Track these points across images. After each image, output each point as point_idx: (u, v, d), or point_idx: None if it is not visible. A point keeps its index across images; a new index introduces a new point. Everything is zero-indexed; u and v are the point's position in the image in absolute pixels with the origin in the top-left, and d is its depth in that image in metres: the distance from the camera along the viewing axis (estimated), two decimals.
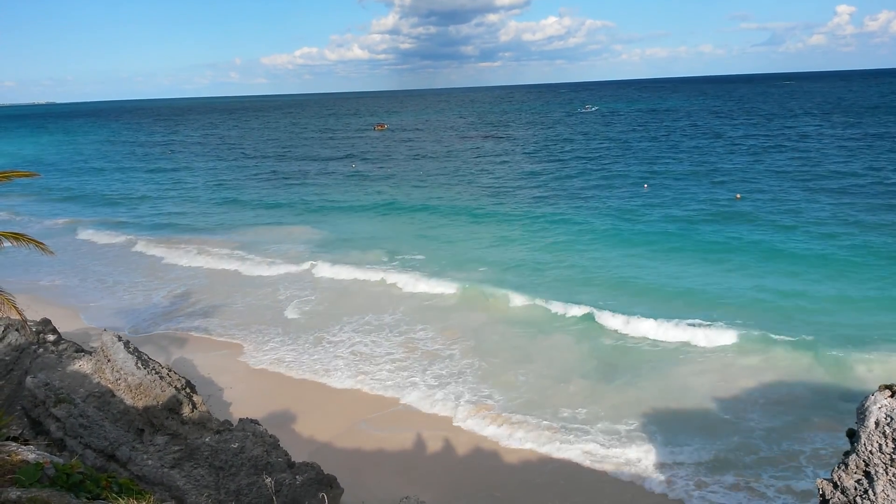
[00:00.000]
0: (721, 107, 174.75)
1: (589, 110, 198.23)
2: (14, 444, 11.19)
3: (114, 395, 19.04)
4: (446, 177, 75.94)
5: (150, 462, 16.57)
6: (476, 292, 33.69)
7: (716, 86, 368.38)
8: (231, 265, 41.73)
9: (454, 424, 21.39)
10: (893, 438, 7.89)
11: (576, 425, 21.04)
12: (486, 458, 19.52)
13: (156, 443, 17.13)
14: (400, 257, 41.34)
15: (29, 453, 10.67)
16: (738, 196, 55.10)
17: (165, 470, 16.34)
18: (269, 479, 11.68)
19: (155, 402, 18.70)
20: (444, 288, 34.69)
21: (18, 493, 8.63)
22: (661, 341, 26.85)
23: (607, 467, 18.84)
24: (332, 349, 27.65)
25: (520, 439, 20.58)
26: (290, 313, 32.24)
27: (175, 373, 20.02)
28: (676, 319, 28.00)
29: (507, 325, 29.51)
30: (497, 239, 45.43)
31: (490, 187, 67.03)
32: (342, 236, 48.61)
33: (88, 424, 17.64)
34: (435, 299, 33.37)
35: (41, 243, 24.88)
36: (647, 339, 27.15)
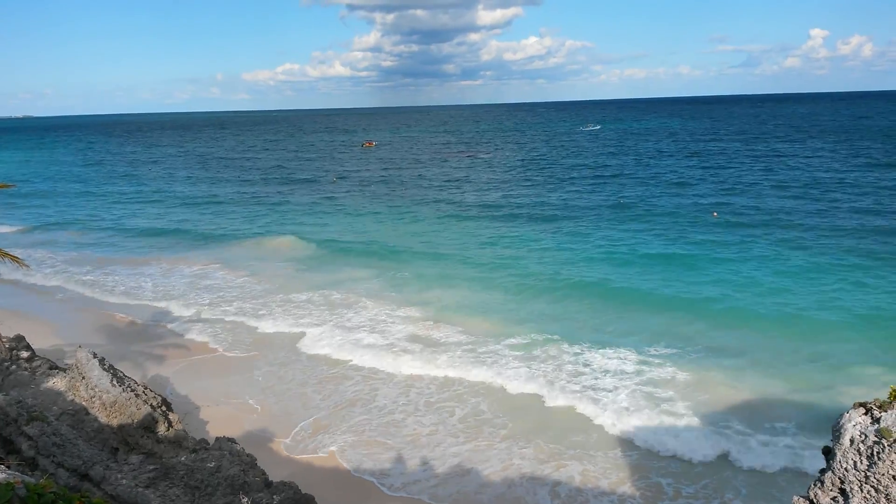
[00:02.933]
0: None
1: (591, 129, 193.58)
2: None
3: (88, 413, 18.74)
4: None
5: (124, 482, 16.25)
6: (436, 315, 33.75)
7: (710, 107, 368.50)
8: (208, 280, 41.38)
9: (433, 447, 21.34)
10: (868, 456, 8.00)
11: None
12: (467, 472, 19.42)
13: (130, 462, 16.83)
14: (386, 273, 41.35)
15: (1, 473, 10.45)
16: (715, 214, 55.81)
17: (140, 490, 16.03)
18: (245, 500, 11.48)
19: (130, 421, 18.44)
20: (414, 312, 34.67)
21: None
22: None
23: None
24: (317, 361, 27.51)
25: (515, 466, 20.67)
26: (268, 328, 32.16)
27: (151, 390, 19.79)
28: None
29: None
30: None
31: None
32: (333, 250, 48.52)
33: (62, 443, 17.28)
34: (409, 318, 33.31)
35: (16, 257, 24.54)
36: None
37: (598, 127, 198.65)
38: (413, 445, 20.90)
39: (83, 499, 10.81)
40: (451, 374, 26.31)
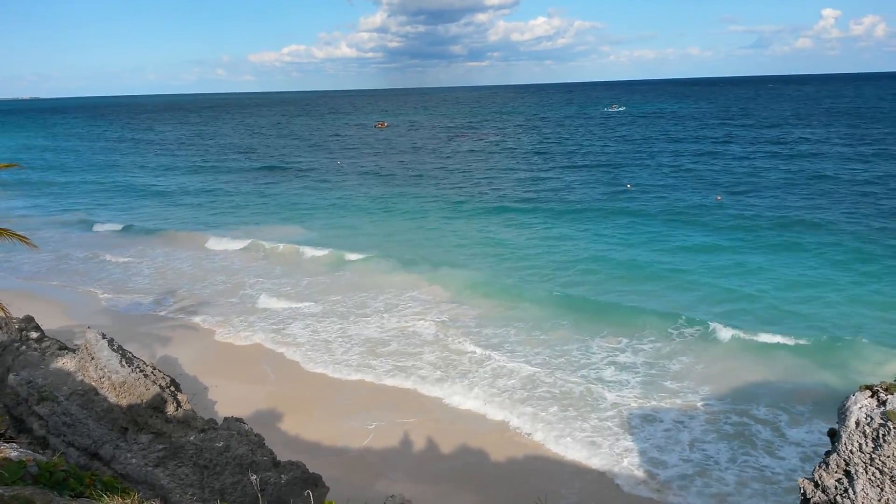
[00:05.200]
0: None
1: (616, 110, 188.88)
2: None
3: (97, 394, 18.90)
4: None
5: (133, 461, 16.46)
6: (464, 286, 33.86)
7: (726, 88, 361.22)
8: (217, 263, 41.58)
9: (450, 419, 21.55)
10: (873, 438, 8.02)
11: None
12: (473, 454, 19.58)
13: (140, 441, 17.01)
14: (391, 251, 41.44)
15: (11, 451, 10.57)
16: (719, 198, 55.51)
17: (149, 469, 16.24)
18: (254, 477, 11.64)
19: (139, 401, 18.57)
20: (431, 285, 34.90)
21: (1, 490, 8.56)
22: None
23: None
24: (316, 346, 27.65)
25: (515, 428, 20.95)
26: (269, 304, 32.47)
27: (160, 371, 19.90)
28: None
29: (496, 320, 29.65)
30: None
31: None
32: (334, 233, 48.62)
33: (72, 423, 17.50)
34: (429, 299, 33.43)
35: (24, 237, 24.64)
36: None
37: (623, 108, 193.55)
38: (419, 428, 21.08)
39: (94, 477, 10.95)
40: (476, 351, 26.61)
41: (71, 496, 9.24)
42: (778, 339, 26.22)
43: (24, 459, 10.15)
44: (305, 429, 20.82)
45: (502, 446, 20.05)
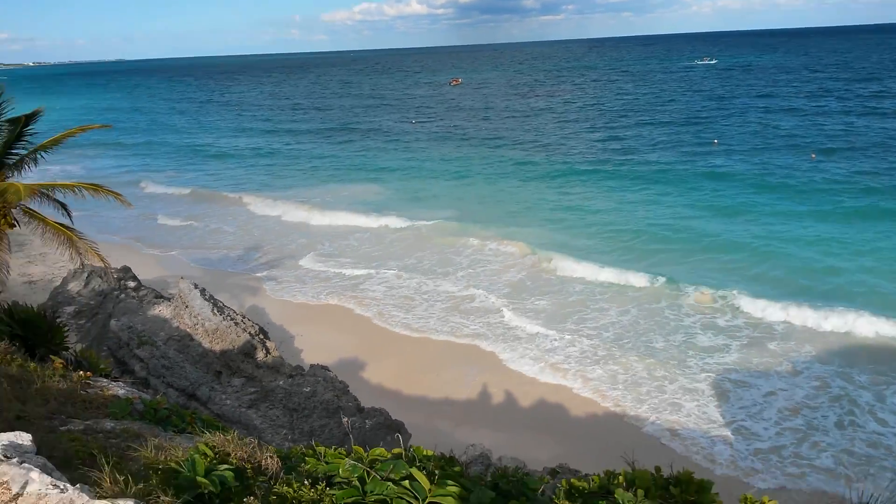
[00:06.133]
0: None
1: (706, 63, 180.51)
2: (105, 380, 11.72)
3: (192, 339, 19.75)
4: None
5: (228, 402, 17.20)
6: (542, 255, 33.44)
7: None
8: (298, 216, 42.67)
9: (528, 376, 21.56)
10: None
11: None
12: (552, 409, 19.54)
13: (233, 384, 17.74)
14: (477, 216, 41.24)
15: (119, 389, 11.16)
16: (813, 156, 52.44)
17: (243, 410, 16.94)
18: (346, 419, 11.95)
19: (231, 347, 19.30)
20: (514, 248, 34.47)
21: (112, 424, 9.02)
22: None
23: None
24: (394, 303, 28.04)
25: (590, 390, 20.68)
26: (345, 264, 33.00)
27: (249, 319, 20.60)
28: None
29: (577, 289, 29.22)
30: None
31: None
32: (415, 195, 48.75)
33: (170, 365, 18.39)
34: (508, 259, 33.26)
35: (119, 194, 25.72)
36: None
37: (715, 61, 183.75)
38: (496, 383, 21.15)
39: (194, 415, 11.41)
40: (555, 311, 26.30)
41: (174, 432, 9.65)
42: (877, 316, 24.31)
43: (130, 397, 10.69)
44: (386, 379, 21.24)
45: (581, 405, 19.93)
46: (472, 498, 4.31)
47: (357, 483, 4.49)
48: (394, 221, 40.46)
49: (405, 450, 5.04)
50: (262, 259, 34.65)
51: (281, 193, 50.57)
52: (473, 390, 20.70)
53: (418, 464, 4.71)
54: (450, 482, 4.32)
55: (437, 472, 4.73)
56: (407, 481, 4.35)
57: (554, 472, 8.92)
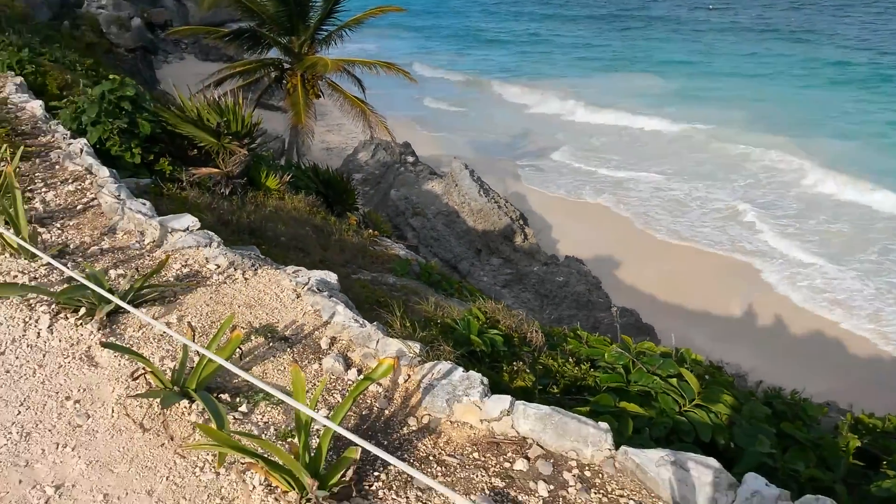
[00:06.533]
0: None
1: None
2: (389, 240, 13.13)
3: (458, 216, 21.08)
4: None
5: (485, 279, 18.29)
6: None
7: None
8: (565, 109, 42.22)
9: (798, 304, 19.70)
10: None
11: None
12: (822, 344, 17.69)
13: (491, 263, 18.75)
14: None
15: (400, 250, 12.42)
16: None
17: (497, 288, 17.92)
18: (614, 308, 12.02)
19: (492, 228, 20.25)
20: None
21: (393, 279, 10.11)
22: None
23: None
24: (668, 205, 26.86)
25: (871, 332, 18.26)
26: (609, 165, 32.03)
27: (511, 204, 21.29)
28: None
29: None
30: None
31: None
32: (698, 94, 45.23)
33: (437, 237, 19.95)
34: (795, 176, 29.79)
35: (407, 73, 27.44)
36: None
37: None
38: (763, 304, 19.56)
39: (461, 284, 12.27)
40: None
41: (444, 295, 10.54)
42: None
43: (409, 259, 11.86)
44: (641, 282, 20.75)
45: (858, 345, 17.71)
46: (744, 409, 4.09)
47: (621, 371, 4.52)
48: (667, 123, 37.92)
49: (675, 350, 4.91)
50: (527, 148, 35.15)
51: (551, 83, 49.95)
52: (735, 308, 19.40)
53: (687, 366, 4.57)
54: (722, 389, 4.13)
55: (706, 377, 4.56)
56: (675, 380, 4.26)
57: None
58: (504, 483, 3.40)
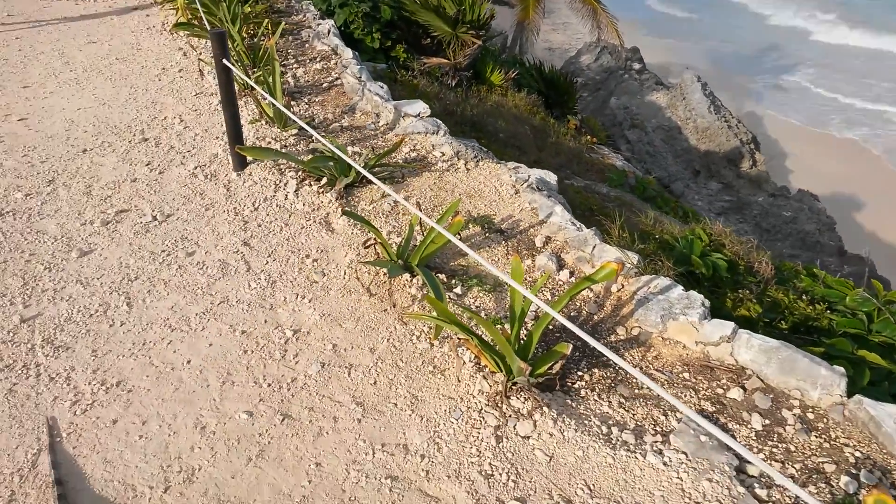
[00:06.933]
0: None
1: None
2: (607, 149, 12.71)
3: (680, 133, 19.76)
4: None
5: (699, 203, 17.17)
6: None
7: None
8: (821, 29, 36.86)
9: None
10: None
11: None
12: None
13: (709, 188, 17.52)
14: None
15: (617, 160, 11.99)
16: None
17: (712, 215, 16.74)
18: (866, 249, 10.80)
19: (717, 149, 18.78)
20: None
21: (607, 189, 9.82)
22: None
23: None
24: None
25: None
26: (878, 97, 27.56)
27: (743, 125, 19.50)
28: None
29: None
30: None
31: None
32: None
33: (653, 153, 18.93)
34: None
35: None
36: None
37: None
38: None
39: (677, 203, 11.66)
40: None
41: (660, 212, 10.08)
42: None
43: (626, 170, 11.42)
44: (884, 229, 18.23)
45: None
46: None
47: (863, 317, 4.04)
48: None
49: None
50: (772, 67, 31.41)
51: None
52: None
53: None
54: None
55: None
56: None
57: None
58: (714, 408, 3.26)
